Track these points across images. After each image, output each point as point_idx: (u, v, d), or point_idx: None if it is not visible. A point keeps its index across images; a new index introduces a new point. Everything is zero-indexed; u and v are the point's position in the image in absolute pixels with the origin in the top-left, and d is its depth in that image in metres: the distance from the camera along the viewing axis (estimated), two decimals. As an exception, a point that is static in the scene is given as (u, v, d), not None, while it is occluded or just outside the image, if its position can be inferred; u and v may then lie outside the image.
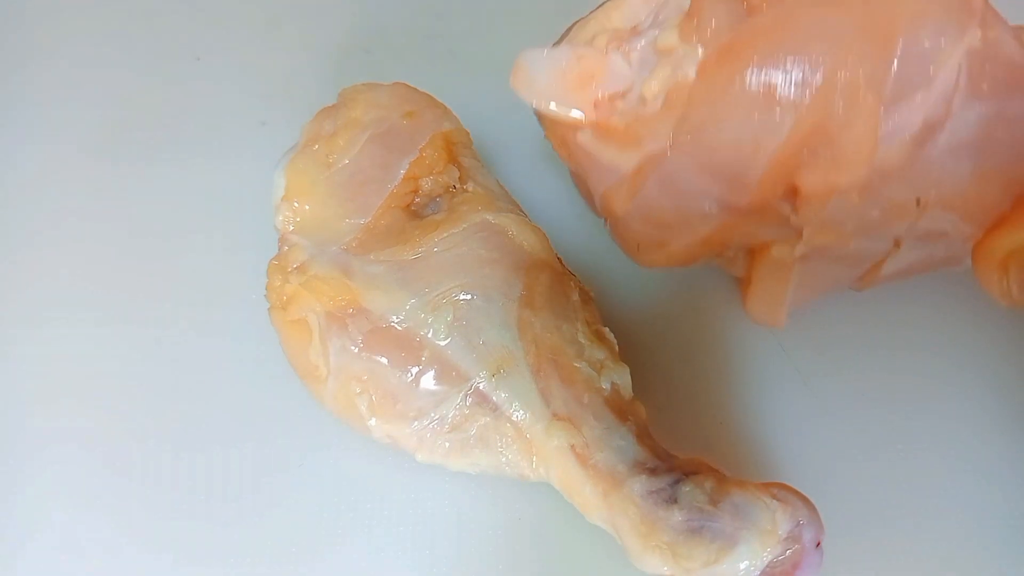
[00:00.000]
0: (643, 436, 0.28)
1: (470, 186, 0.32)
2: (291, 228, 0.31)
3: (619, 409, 0.28)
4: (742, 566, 0.25)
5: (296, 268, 0.30)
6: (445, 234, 0.30)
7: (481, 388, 0.28)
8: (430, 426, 0.29)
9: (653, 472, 0.26)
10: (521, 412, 0.28)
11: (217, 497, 0.32)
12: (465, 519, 0.31)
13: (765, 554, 0.25)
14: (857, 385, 0.34)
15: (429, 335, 0.29)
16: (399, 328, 0.29)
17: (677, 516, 0.25)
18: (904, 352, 0.34)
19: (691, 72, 0.27)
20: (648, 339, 0.35)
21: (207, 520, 0.31)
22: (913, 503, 0.31)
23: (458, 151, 0.33)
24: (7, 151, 0.39)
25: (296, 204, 0.31)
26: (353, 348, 0.29)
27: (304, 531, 0.31)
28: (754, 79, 0.27)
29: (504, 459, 0.28)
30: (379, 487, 0.32)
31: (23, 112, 0.39)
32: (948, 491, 0.32)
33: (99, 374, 0.34)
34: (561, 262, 0.32)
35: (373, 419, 0.29)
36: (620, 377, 0.29)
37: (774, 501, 0.24)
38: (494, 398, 0.28)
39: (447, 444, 0.29)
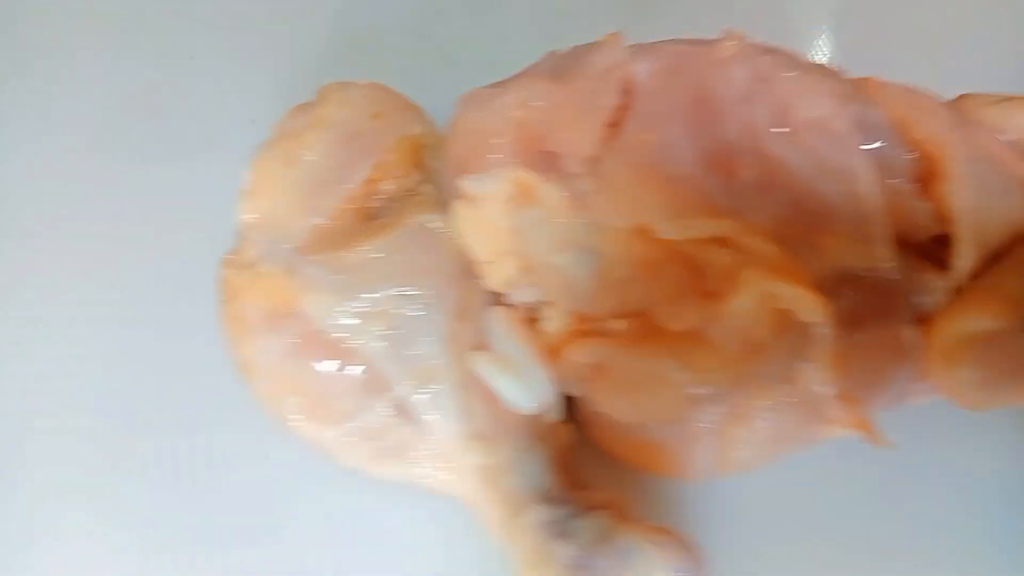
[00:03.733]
0: (559, 463, 0.27)
1: (428, 189, 0.32)
2: (249, 223, 0.32)
3: (539, 432, 0.28)
4: (616, 609, 0.24)
5: (247, 264, 0.31)
6: (384, 239, 0.30)
7: (404, 399, 0.28)
8: (351, 432, 0.29)
9: (554, 503, 0.25)
10: (441, 427, 0.28)
11: (202, 490, 0.33)
12: (459, 518, 0.31)
13: (638, 600, 0.24)
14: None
15: (359, 342, 0.29)
16: (331, 333, 0.29)
17: (569, 551, 0.24)
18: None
19: None
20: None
21: (198, 514, 0.33)
22: (912, 502, 0.30)
23: (426, 154, 0.33)
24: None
25: (256, 200, 0.32)
26: (286, 349, 0.29)
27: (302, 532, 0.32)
28: None
29: (418, 472, 0.28)
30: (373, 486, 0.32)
31: (15, 110, 0.40)
32: (949, 489, 0.31)
33: (93, 371, 0.35)
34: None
35: (300, 421, 0.29)
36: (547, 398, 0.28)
37: (654, 548, 0.24)
38: (416, 410, 0.28)
39: (365, 452, 0.29)
